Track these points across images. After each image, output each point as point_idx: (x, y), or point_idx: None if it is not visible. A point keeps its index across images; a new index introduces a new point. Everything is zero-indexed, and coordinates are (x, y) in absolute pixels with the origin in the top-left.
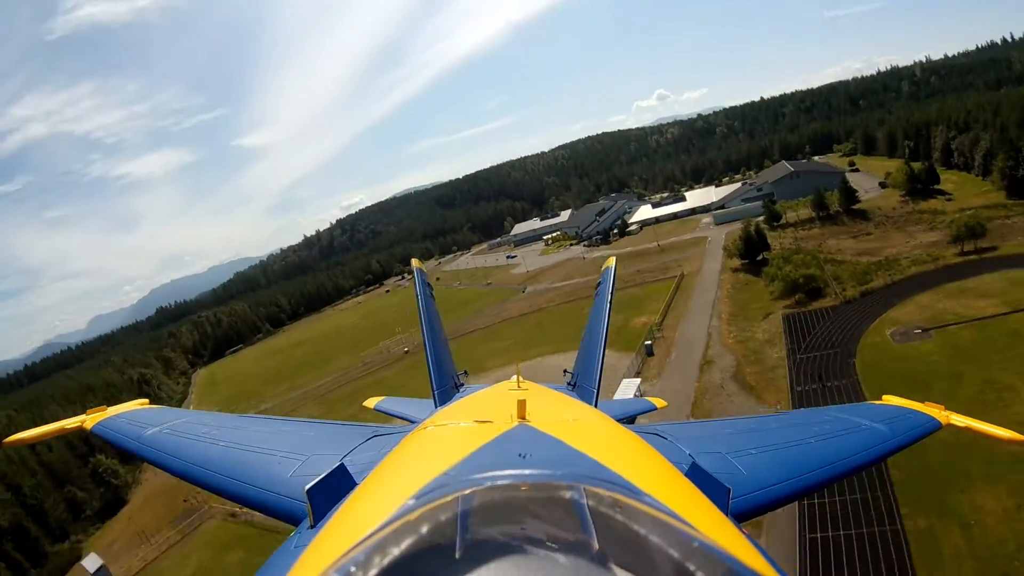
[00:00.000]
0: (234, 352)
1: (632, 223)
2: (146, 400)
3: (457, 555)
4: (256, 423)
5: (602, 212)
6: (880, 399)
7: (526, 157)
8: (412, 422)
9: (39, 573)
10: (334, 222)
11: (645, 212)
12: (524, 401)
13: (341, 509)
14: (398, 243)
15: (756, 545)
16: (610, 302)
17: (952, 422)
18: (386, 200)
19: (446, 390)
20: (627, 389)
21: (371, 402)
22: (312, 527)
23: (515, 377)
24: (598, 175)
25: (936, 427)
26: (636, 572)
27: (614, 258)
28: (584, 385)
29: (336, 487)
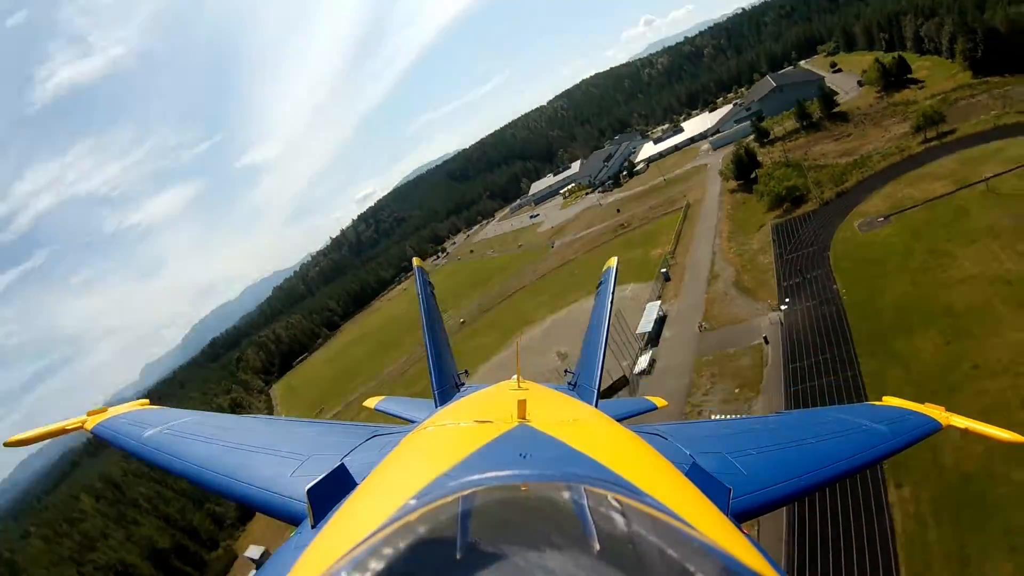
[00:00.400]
0: (301, 361)
1: (639, 162)
2: (146, 401)
3: (457, 556)
4: (256, 423)
5: (609, 157)
6: (880, 400)
7: (527, 114)
8: (412, 422)
9: None
10: (355, 218)
11: (648, 149)
12: (524, 401)
13: (342, 509)
14: (424, 226)
15: (756, 545)
16: (611, 302)
17: (952, 423)
18: (400, 185)
19: (446, 390)
20: (651, 312)
21: (371, 402)
22: (313, 527)
23: (515, 377)
24: (599, 120)
25: (936, 428)
26: (636, 573)
27: (615, 258)
28: (584, 385)
29: (336, 487)
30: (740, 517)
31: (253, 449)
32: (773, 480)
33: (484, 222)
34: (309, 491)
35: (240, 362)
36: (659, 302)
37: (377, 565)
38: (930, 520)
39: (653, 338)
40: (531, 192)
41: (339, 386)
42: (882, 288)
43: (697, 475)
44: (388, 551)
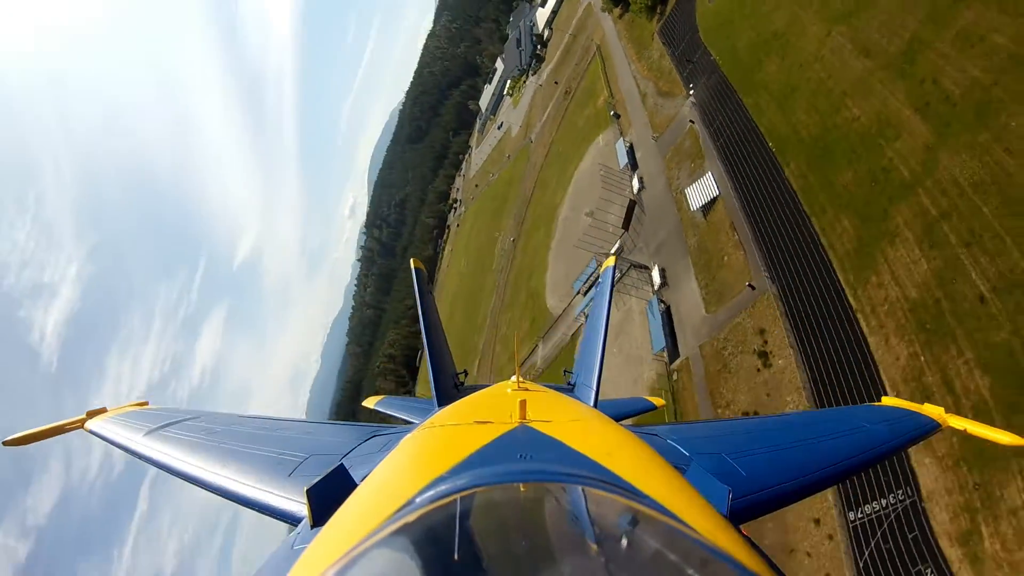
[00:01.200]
0: (420, 359)
1: (542, 31)
2: (146, 401)
3: (456, 556)
4: (255, 423)
5: (518, 42)
6: (880, 400)
7: (426, 45)
8: (412, 422)
9: None
10: (364, 230)
11: (542, 15)
12: (524, 402)
13: (341, 510)
14: (423, 197)
15: (755, 547)
16: (609, 302)
17: (951, 424)
18: (377, 178)
19: (446, 390)
20: (621, 148)
21: (371, 402)
22: (312, 527)
23: (515, 378)
24: (486, 10)
25: (935, 428)
26: (635, 574)
27: (614, 258)
28: (583, 385)
29: (336, 487)
30: (739, 518)
31: (252, 449)
32: (772, 481)
33: (466, 156)
34: (308, 491)
35: (376, 392)
36: (622, 137)
37: (376, 566)
38: None
39: (633, 164)
40: (483, 110)
41: (463, 349)
42: (735, 41)
43: (696, 476)
44: (387, 552)
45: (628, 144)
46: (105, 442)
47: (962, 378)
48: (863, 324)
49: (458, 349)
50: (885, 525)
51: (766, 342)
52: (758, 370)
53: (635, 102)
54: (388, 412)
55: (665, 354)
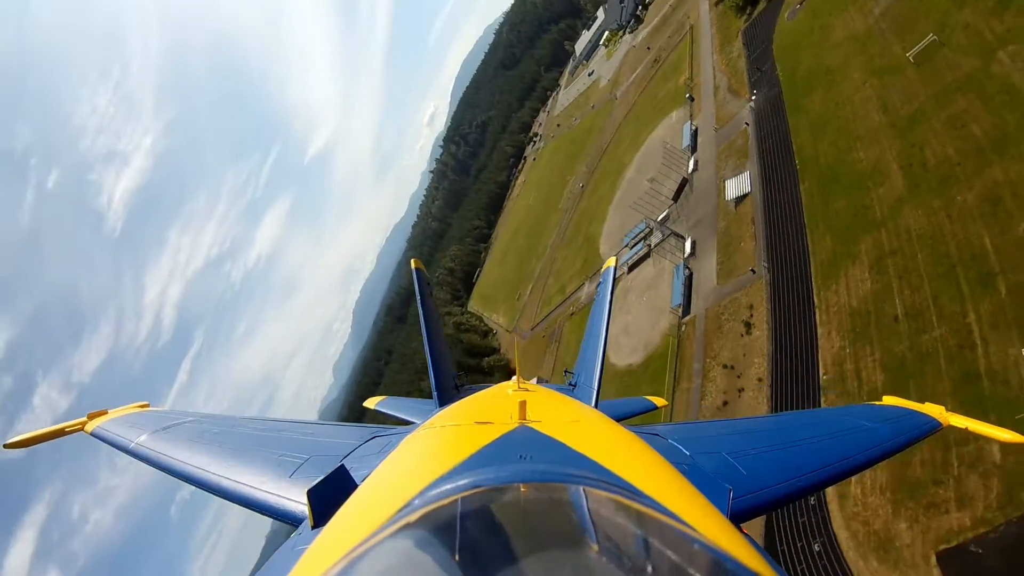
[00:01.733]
0: (478, 275)
1: None
2: (146, 403)
3: (457, 557)
4: (256, 424)
5: None
6: (880, 400)
7: None
8: (412, 423)
9: None
10: (441, 144)
11: None
12: (524, 402)
13: (342, 510)
14: (505, 124)
15: (756, 546)
16: (610, 302)
17: (952, 423)
18: (463, 95)
19: (446, 391)
20: (687, 129)
21: (371, 402)
22: (313, 528)
23: (515, 378)
24: None
25: (936, 427)
26: (636, 574)
27: (614, 258)
28: (584, 385)
29: (336, 488)
30: (740, 517)
31: (252, 450)
32: (773, 480)
33: (554, 94)
34: (309, 492)
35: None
36: (691, 120)
37: (377, 566)
38: None
39: (693, 147)
40: (577, 53)
41: (519, 275)
42: (797, 65)
43: (696, 475)
44: (388, 552)
45: (694, 128)
46: (106, 444)
47: (867, 371)
48: (817, 317)
49: (515, 272)
50: None
51: (752, 316)
52: (741, 335)
53: (708, 91)
54: (388, 412)
55: (680, 310)
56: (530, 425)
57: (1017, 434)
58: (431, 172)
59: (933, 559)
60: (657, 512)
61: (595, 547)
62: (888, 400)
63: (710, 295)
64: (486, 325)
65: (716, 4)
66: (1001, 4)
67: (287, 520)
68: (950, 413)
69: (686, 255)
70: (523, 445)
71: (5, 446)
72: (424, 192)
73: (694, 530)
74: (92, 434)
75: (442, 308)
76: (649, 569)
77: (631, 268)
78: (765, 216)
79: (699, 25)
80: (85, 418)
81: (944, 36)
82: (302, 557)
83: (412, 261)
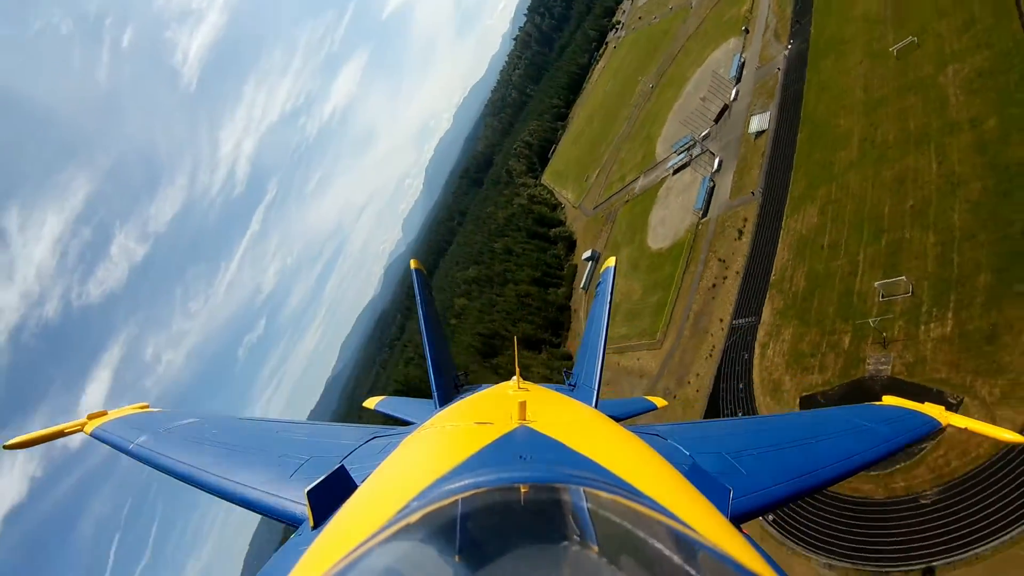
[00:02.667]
0: (553, 152)
1: None
2: (146, 404)
3: (457, 557)
4: (256, 425)
5: None
6: (880, 400)
7: None
8: (412, 423)
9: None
10: (526, 13)
11: None
12: (524, 403)
13: (342, 511)
14: (591, 5)
15: (756, 547)
16: (610, 302)
17: (952, 423)
18: None
19: (446, 391)
20: (735, 61)
21: (371, 402)
22: (313, 528)
23: (515, 378)
24: None
25: (936, 427)
26: (636, 574)
27: (614, 258)
28: (584, 386)
29: (336, 489)
30: (740, 518)
31: (253, 451)
32: (773, 480)
33: None
34: (309, 493)
35: (511, 172)
36: (740, 52)
37: (377, 567)
38: None
39: (738, 78)
40: None
41: (589, 157)
42: (824, 27)
43: (696, 476)
44: (388, 553)
45: (742, 61)
46: (107, 445)
47: (797, 278)
48: (780, 236)
49: (586, 154)
50: (738, 333)
51: (744, 226)
52: (734, 240)
53: (759, 29)
54: (388, 412)
55: (699, 213)
56: (530, 425)
57: (1018, 434)
58: (513, 39)
59: (798, 400)
60: (657, 512)
61: (595, 547)
62: (888, 400)
63: (722, 205)
64: (555, 199)
65: None
66: (965, 24)
67: (287, 520)
68: (950, 413)
69: (713, 170)
70: (523, 446)
71: (5, 447)
72: (505, 57)
73: (694, 531)
74: (92, 435)
75: (518, 179)
76: (649, 570)
77: (675, 172)
78: (771, 152)
79: None
80: (85, 419)
81: (921, 40)
82: (302, 557)
83: (412, 262)
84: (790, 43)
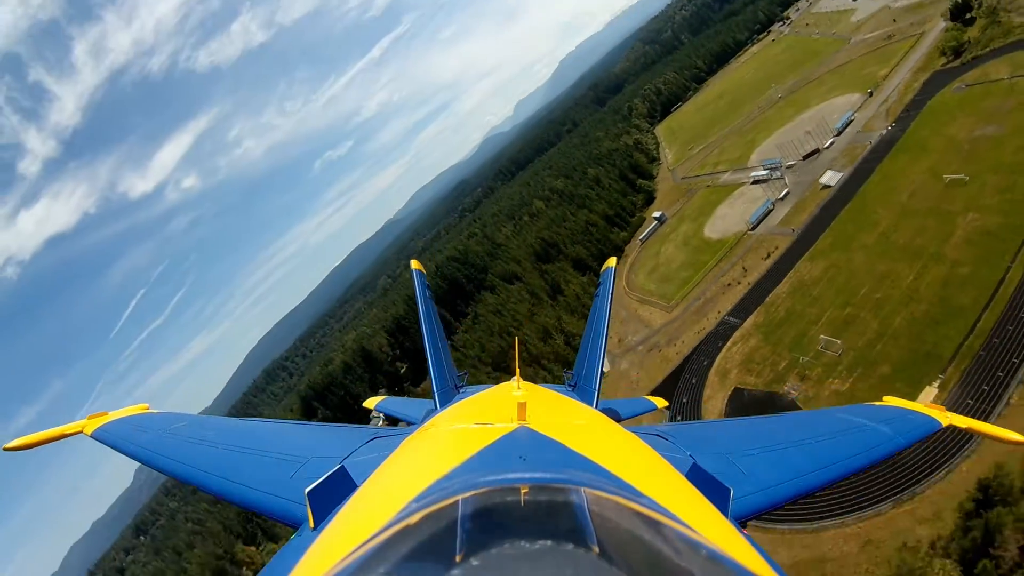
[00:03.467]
0: (676, 108)
1: None
2: (147, 405)
3: (457, 558)
4: (256, 426)
5: None
6: (880, 400)
7: None
8: (412, 423)
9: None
10: None
11: None
12: (524, 403)
13: (342, 511)
14: None
15: (756, 547)
16: (610, 304)
17: (953, 423)
18: None
19: (446, 391)
20: (845, 117)
21: (372, 402)
22: (313, 529)
23: (515, 379)
24: None
25: (937, 428)
26: (636, 575)
27: (614, 259)
28: (584, 386)
29: (337, 489)
30: (741, 518)
31: (253, 452)
32: (773, 481)
33: None
34: (309, 493)
35: (632, 110)
36: (852, 111)
37: (377, 567)
38: None
39: (840, 131)
40: None
41: (703, 130)
42: (920, 127)
43: (697, 476)
44: (388, 553)
45: (851, 118)
46: (107, 447)
47: (786, 304)
48: (788, 274)
49: (702, 126)
50: (723, 327)
51: (773, 251)
52: (762, 258)
53: (880, 98)
54: (388, 413)
55: (750, 226)
56: (530, 426)
57: (1018, 434)
58: None
59: (732, 388)
60: (657, 513)
61: (595, 548)
62: (888, 400)
63: (768, 227)
64: (656, 153)
65: (945, 31)
66: (1007, 187)
67: (288, 521)
68: (950, 413)
69: (778, 197)
70: (523, 446)
71: (5, 448)
72: None
73: (694, 531)
74: (92, 436)
75: (634, 119)
76: (649, 570)
77: (753, 183)
78: (824, 207)
79: (923, 38)
80: (86, 420)
81: (971, 180)
82: (302, 558)
83: (412, 262)
84: (891, 126)
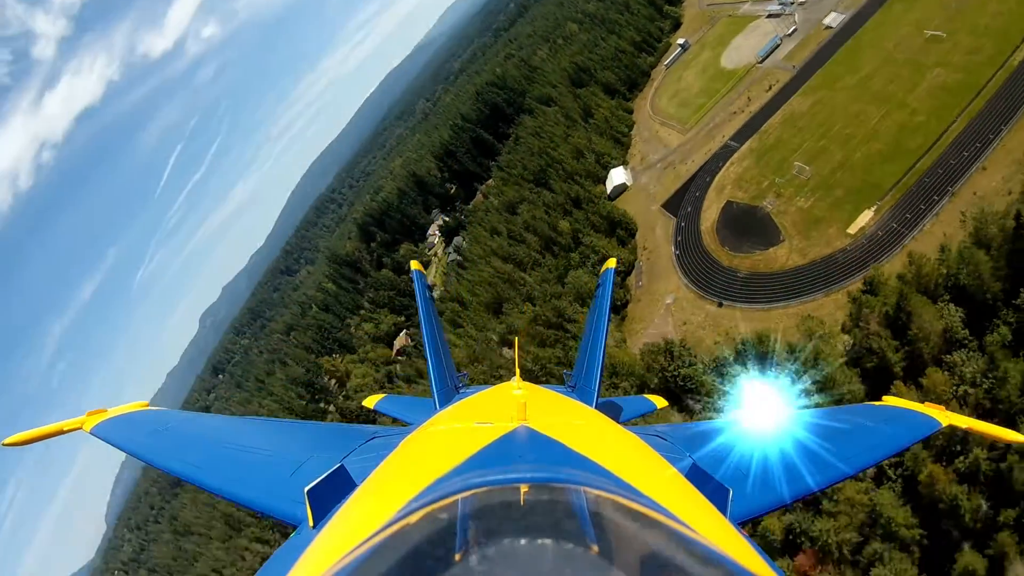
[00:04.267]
0: None
1: None
2: (146, 402)
3: (457, 557)
4: (256, 424)
5: None
6: (880, 400)
7: None
8: (412, 423)
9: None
10: None
11: None
12: (524, 403)
13: (341, 510)
14: None
15: (755, 547)
16: (609, 305)
17: (953, 423)
18: None
19: (446, 391)
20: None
21: (371, 401)
22: (312, 528)
23: (515, 378)
24: None
25: (936, 427)
26: (635, 575)
27: (614, 260)
28: (584, 386)
29: (336, 488)
30: (740, 518)
31: (253, 450)
32: (773, 481)
33: None
34: (309, 492)
35: None
36: None
37: (377, 566)
38: None
39: None
40: None
41: None
42: None
43: (696, 476)
44: (388, 553)
45: None
46: (107, 444)
47: (777, 131)
48: (783, 106)
49: None
50: (724, 150)
51: (774, 85)
52: (764, 90)
53: None
54: (388, 413)
55: (759, 59)
56: (530, 426)
57: (1018, 434)
58: None
59: (725, 201)
60: (656, 513)
61: (595, 548)
62: (888, 400)
63: (774, 62)
64: None
65: None
66: (975, 49)
67: (287, 520)
68: (950, 413)
69: (786, 33)
70: (523, 446)
71: (4, 443)
72: None
73: (693, 531)
74: (91, 433)
75: None
76: (648, 570)
77: (768, 16)
78: (823, 47)
79: None
80: (84, 416)
81: (948, 37)
82: (302, 557)
83: (412, 263)
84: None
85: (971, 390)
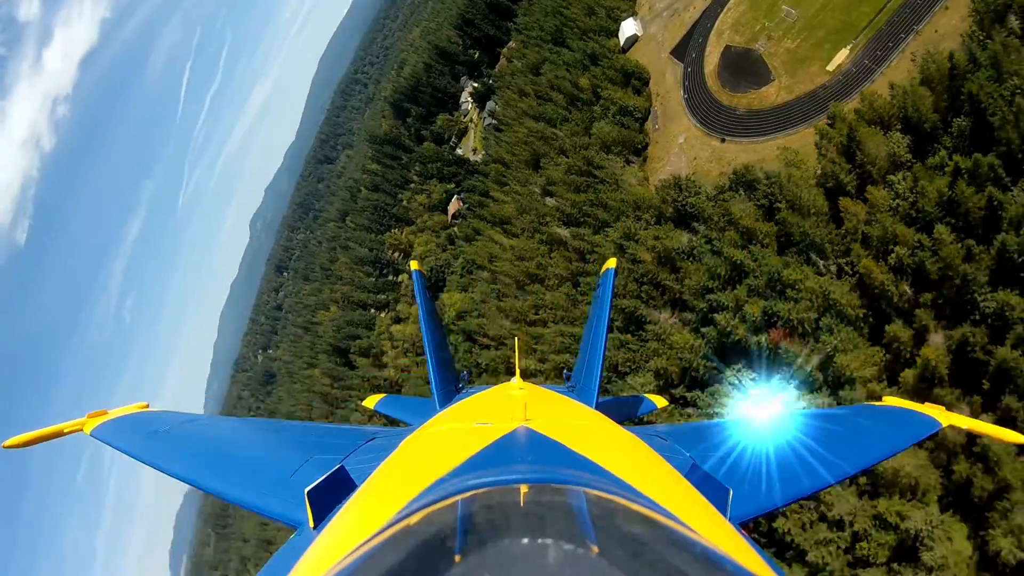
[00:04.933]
0: None
1: None
2: (146, 404)
3: (457, 558)
4: (256, 425)
5: None
6: (880, 400)
7: None
8: (412, 424)
9: None
10: None
11: None
12: (525, 404)
13: (342, 511)
14: None
15: (755, 547)
16: (610, 304)
17: (953, 423)
18: None
19: (447, 391)
20: None
21: (371, 402)
22: (313, 529)
23: (516, 379)
24: None
25: (936, 427)
26: (635, 575)
27: (615, 259)
28: (584, 387)
29: (336, 489)
30: (740, 518)
31: (253, 451)
32: (773, 481)
33: None
34: (309, 493)
35: None
36: None
37: (377, 567)
38: None
39: None
40: None
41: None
42: None
43: (696, 477)
44: (388, 553)
45: None
46: (106, 445)
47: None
48: None
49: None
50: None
51: None
52: None
53: None
54: (388, 413)
55: None
56: (530, 426)
57: (1019, 434)
58: None
59: (724, 45)
60: (656, 513)
61: (595, 549)
62: (888, 400)
63: None
64: None
65: None
66: None
67: (287, 521)
68: (950, 413)
69: None
70: (523, 446)
71: (4, 446)
72: None
73: (693, 531)
74: (92, 435)
75: None
76: (649, 571)
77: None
78: None
79: None
80: (85, 418)
81: None
82: (302, 558)
83: (412, 263)
84: None
85: (903, 203)
